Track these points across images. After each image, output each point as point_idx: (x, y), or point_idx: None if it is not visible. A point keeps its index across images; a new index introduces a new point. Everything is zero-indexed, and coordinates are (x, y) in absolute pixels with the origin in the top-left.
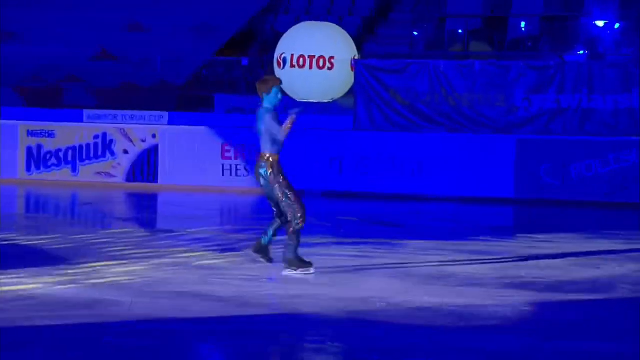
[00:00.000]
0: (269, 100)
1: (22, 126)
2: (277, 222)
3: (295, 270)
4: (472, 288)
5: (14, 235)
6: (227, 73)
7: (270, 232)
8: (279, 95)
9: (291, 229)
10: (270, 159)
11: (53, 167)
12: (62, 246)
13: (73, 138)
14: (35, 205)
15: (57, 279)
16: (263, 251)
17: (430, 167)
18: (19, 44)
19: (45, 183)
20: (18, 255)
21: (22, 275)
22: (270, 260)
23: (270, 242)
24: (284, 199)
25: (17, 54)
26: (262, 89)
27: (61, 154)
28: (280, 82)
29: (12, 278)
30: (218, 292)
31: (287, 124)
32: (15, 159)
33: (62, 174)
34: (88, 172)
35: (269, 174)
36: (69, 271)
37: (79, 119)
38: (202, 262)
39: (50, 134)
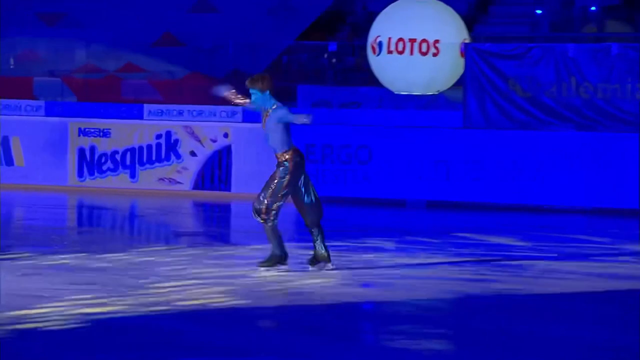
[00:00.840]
0: (262, 100)
1: (73, 124)
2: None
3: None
4: None
5: (65, 256)
6: (312, 60)
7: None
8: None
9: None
10: (288, 156)
11: (108, 172)
12: (119, 265)
13: (132, 138)
14: (89, 217)
15: (115, 306)
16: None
17: (554, 172)
18: (69, 27)
19: (100, 191)
20: (70, 276)
21: (77, 299)
22: (327, 259)
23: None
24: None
25: (67, 39)
26: (257, 85)
27: (118, 157)
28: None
29: (72, 302)
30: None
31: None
32: (64, 163)
33: (119, 181)
34: (149, 178)
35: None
36: (129, 295)
37: (139, 116)
38: (267, 278)
39: (105, 133)
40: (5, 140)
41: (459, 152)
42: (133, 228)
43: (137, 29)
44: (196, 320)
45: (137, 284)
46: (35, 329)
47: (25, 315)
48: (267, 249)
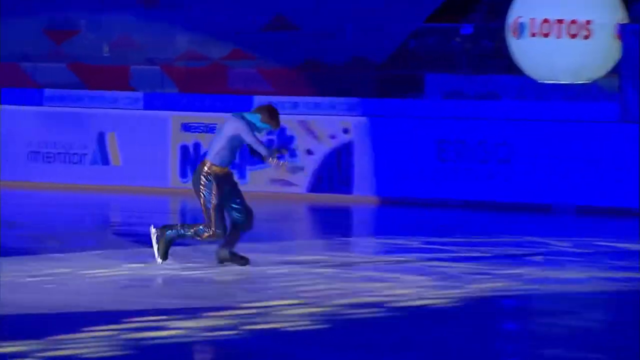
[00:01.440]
0: (257, 122)
1: (175, 118)
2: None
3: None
4: None
5: (172, 267)
6: (443, 45)
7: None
8: (261, 132)
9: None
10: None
11: None
12: (225, 277)
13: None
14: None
15: (213, 322)
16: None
17: None
18: (169, 10)
19: None
20: (172, 291)
21: (173, 316)
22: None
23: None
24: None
25: (168, 24)
26: (263, 115)
27: None
28: (276, 125)
29: (168, 317)
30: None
31: (274, 159)
32: (165, 162)
33: None
34: (260, 180)
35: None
36: (232, 313)
37: (248, 108)
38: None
39: (211, 129)
40: (101, 137)
41: (614, 150)
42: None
43: (245, 12)
44: (262, 346)
45: (246, 298)
46: (129, 339)
47: (121, 329)
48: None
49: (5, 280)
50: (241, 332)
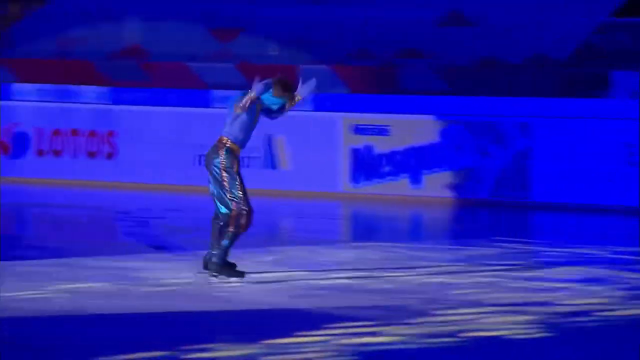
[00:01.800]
0: (267, 97)
1: (346, 120)
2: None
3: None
4: None
5: (341, 275)
6: (631, 41)
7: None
8: (273, 107)
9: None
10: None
11: (388, 177)
12: (403, 287)
13: (413, 136)
14: (367, 230)
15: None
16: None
17: None
18: (340, 8)
19: (376, 199)
20: (348, 298)
21: (348, 325)
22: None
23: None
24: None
25: (337, 21)
26: (275, 88)
27: (398, 159)
28: (291, 98)
29: (341, 330)
30: None
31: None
32: (336, 165)
33: (400, 187)
34: (435, 184)
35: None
36: (432, 320)
37: (422, 110)
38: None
39: (383, 131)
40: (269, 139)
41: None
42: (418, 243)
43: (417, 8)
44: (487, 355)
45: (423, 309)
46: (346, 344)
47: (278, 344)
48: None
49: (170, 286)
50: (462, 339)
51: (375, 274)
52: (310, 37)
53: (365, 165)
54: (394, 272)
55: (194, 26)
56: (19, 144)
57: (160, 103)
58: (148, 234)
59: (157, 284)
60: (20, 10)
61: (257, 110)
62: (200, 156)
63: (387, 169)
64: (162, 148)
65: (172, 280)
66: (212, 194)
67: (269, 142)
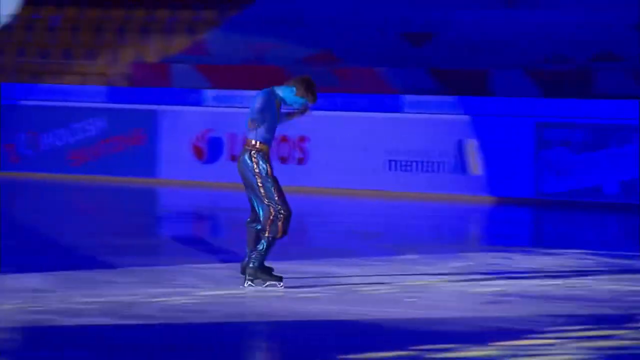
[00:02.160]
0: (287, 95)
1: (538, 124)
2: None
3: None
4: None
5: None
6: None
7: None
8: (296, 106)
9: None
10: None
11: (580, 182)
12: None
13: (607, 141)
14: (559, 236)
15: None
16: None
17: None
18: (532, 10)
19: (569, 204)
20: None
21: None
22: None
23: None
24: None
25: (529, 24)
26: (298, 87)
27: (591, 164)
28: (314, 100)
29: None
30: None
31: (297, 113)
32: (526, 170)
33: (593, 192)
34: (629, 190)
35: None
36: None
37: (618, 114)
38: None
39: (575, 136)
40: (460, 144)
41: None
42: (613, 250)
43: (613, 10)
44: None
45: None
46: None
47: (511, 346)
48: None
49: (361, 291)
50: None
51: (571, 281)
52: (503, 41)
53: (557, 170)
54: (587, 278)
55: (384, 31)
56: (213, 150)
57: (351, 108)
58: (338, 238)
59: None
60: (216, 17)
61: (277, 107)
62: (390, 161)
63: (579, 174)
64: (352, 153)
65: (365, 288)
66: (250, 199)
67: (459, 147)
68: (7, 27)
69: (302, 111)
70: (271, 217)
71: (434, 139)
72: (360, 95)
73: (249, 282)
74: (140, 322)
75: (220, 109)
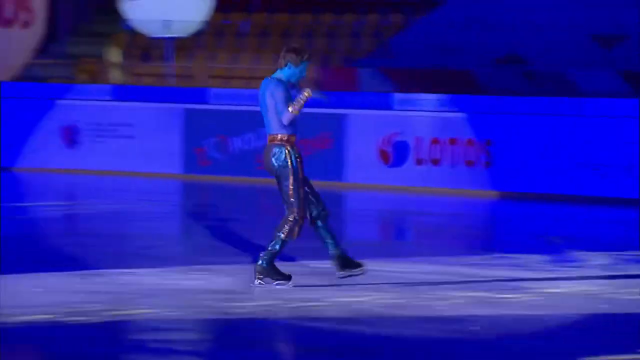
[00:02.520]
0: (290, 73)
1: None
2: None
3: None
4: None
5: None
6: None
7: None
8: (304, 73)
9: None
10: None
11: None
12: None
13: None
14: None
15: None
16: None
17: None
18: None
19: None
20: None
21: None
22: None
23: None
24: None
25: None
26: (291, 58)
27: None
28: (309, 55)
29: None
30: None
31: (300, 100)
32: None
33: None
34: None
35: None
36: None
37: None
38: None
39: None
40: None
41: None
42: None
43: None
44: None
45: None
46: None
47: None
48: None
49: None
50: None
51: None
52: None
53: None
54: None
55: (574, 33)
56: (399, 153)
57: (538, 111)
58: (527, 242)
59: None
60: (403, 21)
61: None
62: (577, 164)
63: None
64: (540, 155)
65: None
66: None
67: None
68: (199, 33)
69: (306, 96)
70: (290, 221)
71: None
72: (548, 99)
73: (259, 281)
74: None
75: (407, 113)
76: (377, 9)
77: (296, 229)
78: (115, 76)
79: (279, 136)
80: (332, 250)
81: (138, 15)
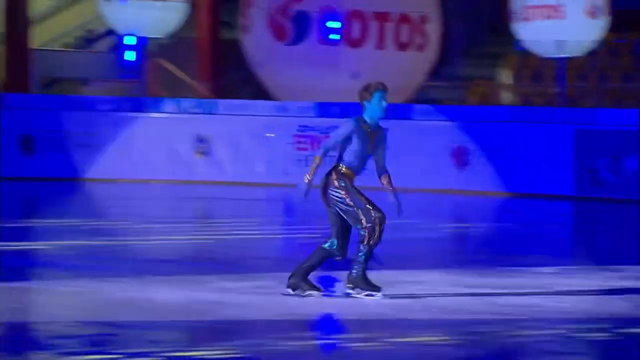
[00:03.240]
0: (370, 110)
1: None
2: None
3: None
4: None
5: None
6: None
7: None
8: (383, 103)
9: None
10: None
11: None
12: None
13: None
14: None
15: None
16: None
17: None
18: None
19: None
20: None
21: None
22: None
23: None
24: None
25: None
26: (362, 97)
27: None
28: (383, 86)
29: None
30: None
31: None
32: None
33: None
34: None
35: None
36: None
37: None
38: None
39: None
40: None
41: None
42: None
43: None
44: None
45: None
46: None
47: None
48: None
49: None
50: None
51: None
52: None
53: None
54: None
55: None
56: None
57: None
58: None
59: None
60: None
61: (370, 135)
62: None
63: None
64: None
65: None
66: (333, 225)
67: None
68: (592, 53)
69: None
70: (369, 228)
71: None
72: None
73: (350, 290)
74: None
75: None
76: None
77: (376, 231)
78: (506, 97)
79: (338, 166)
80: (301, 272)
81: (530, 36)
